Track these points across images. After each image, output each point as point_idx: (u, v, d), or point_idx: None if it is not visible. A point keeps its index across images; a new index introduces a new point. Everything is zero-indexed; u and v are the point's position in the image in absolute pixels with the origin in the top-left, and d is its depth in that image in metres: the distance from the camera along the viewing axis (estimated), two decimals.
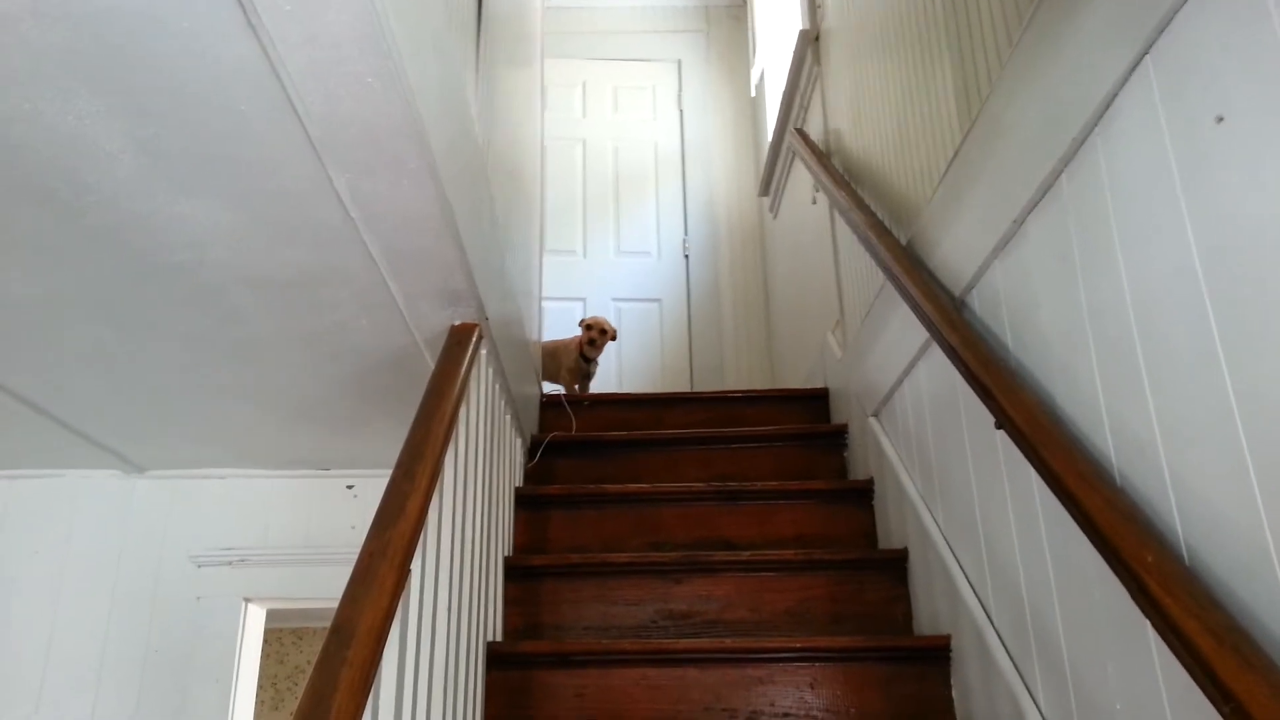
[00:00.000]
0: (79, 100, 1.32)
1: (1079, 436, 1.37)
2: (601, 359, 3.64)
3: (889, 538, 2.38)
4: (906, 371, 2.20)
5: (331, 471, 3.08)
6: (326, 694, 1.07)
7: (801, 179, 3.59)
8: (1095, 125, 1.30)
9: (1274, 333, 0.96)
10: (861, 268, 2.64)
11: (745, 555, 2.27)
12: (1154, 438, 1.18)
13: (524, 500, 2.57)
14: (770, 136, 4.08)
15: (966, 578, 1.87)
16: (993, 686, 1.71)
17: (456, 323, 1.98)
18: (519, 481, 2.69)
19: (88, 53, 1.24)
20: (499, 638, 2.17)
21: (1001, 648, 1.69)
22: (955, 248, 1.82)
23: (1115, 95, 1.24)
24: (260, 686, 4.95)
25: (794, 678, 2.00)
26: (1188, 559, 1.12)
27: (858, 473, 2.70)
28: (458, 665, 1.74)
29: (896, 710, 1.96)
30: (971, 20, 1.84)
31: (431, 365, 1.92)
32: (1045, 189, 1.45)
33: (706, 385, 4.54)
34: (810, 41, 3.37)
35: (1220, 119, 1.03)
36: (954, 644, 1.93)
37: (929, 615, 2.08)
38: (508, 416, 2.52)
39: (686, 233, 4.86)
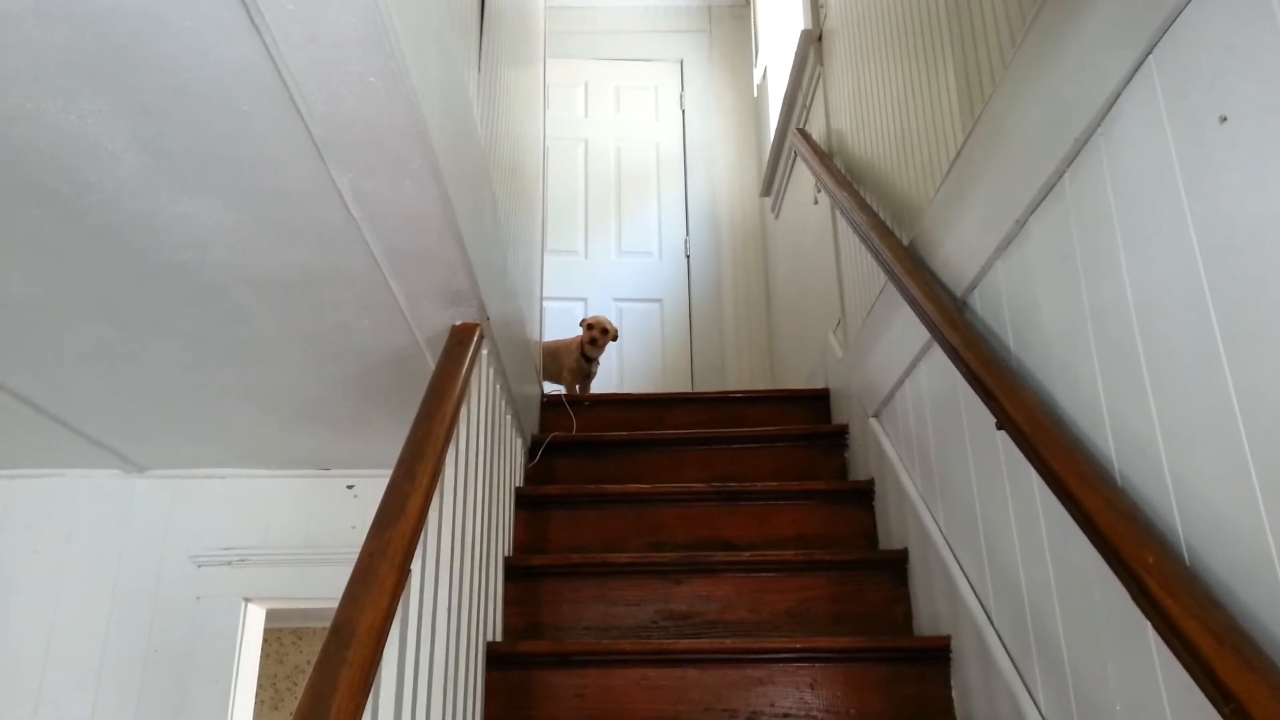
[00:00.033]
0: (81, 99, 1.32)
1: (1080, 437, 1.37)
2: (602, 359, 3.64)
3: (889, 538, 2.38)
4: (908, 372, 2.20)
5: (332, 471, 3.08)
6: (326, 694, 1.07)
7: (803, 179, 3.59)
8: (1098, 125, 1.30)
9: (1275, 333, 0.96)
10: (863, 268, 2.64)
11: (746, 556, 2.27)
12: (1155, 438, 1.18)
13: (524, 500, 2.57)
14: (772, 137, 4.08)
15: (967, 578, 1.87)
16: (993, 687, 1.71)
17: (458, 323, 1.99)
18: (519, 481, 2.69)
19: (90, 52, 1.24)
20: (499, 638, 2.17)
21: (1002, 648, 1.69)
22: (957, 248, 1.82)
23: (1118, 95, 1.24)
24: (260, 686, 4.96)
25: (794, 678, 2.00)
26: (1188, 559, 1.11)
27: (858, 473, 2.70)
28: (458, 665, 1.73)
29: (896, 711, 1.96)
30: (974, 20, 1.84)
31: (432, 365, 1.92)
32: (1048, 189, 1.45)
33: (707, 385, 4.54)
34: (813, 41, 3.38)
35: (1223, 119, 1.03)
36: (954, 644, 1.93)
37: (929, 616, 2.08)
38: (508, 416, 2.52)
39: (688, 233, 4.86)
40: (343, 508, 3.04)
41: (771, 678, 2.00)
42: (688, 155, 5.00)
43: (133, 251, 1.72)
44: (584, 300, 4.67)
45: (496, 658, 2.03)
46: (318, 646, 5.91)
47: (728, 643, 2.05)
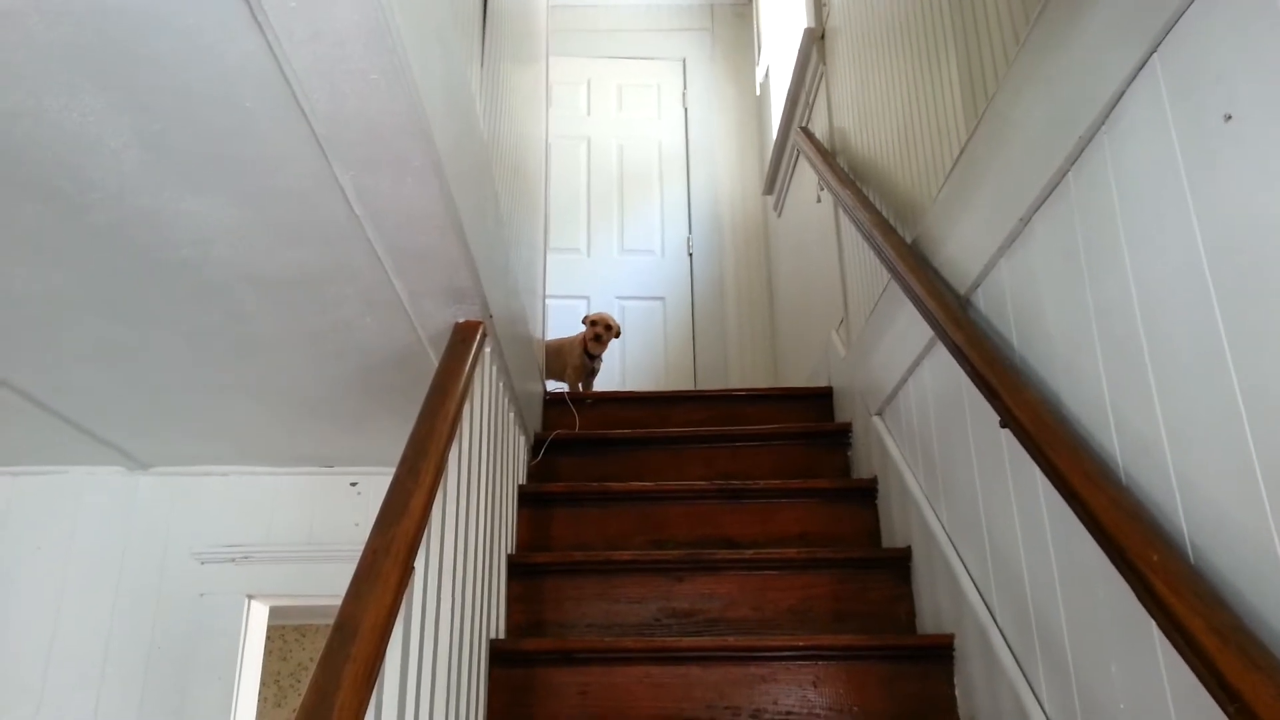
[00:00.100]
0: (83, 96, 1.32)
1: (1084, 435, 1.37)
2: (605, 357, 3.64)
3: (892, 536, 2.38)
4: (911, 370, 2.19)
5: (335, 469, 3.09)
6: (330, 690, 1.07)
7: (806, 177, 3.59)
8: (1102, 123, 1.29)
9: None
10: (866, 266, 2.63)
11: (748, 554, 2.27)
12: (1159, 436, 1.18)
13: (527, 498, 2.57)
14: (775, 135, 4.08)
15: (970, 576, 1.87)
16: (996, 685, 1.71)
17: (460, 320, 1.98)
18: (522, 479, 2.69)
19: (92, 49, 1.24)
20: (502, 635, 2.17)
21: (1005, 646, 1.69)
22: (961, 246, 1.82)
23: (1123, 93, 1.24)
24: (263, 683, 4.96)
25: (797, 676, 2.00)
26: (1193, 558, 1.11)
27: (861, 471, 2.70)
28: (461, 662, 1.74)
29: (899, 709, 1.96)
30: (978, 18, 1.83)
31: (435, 363, 1.92)
32: (1052, 187, 1.44)
33: (710, 383, 4.53)
34: (815, 39, 3.37)
35: (1228, 117, 1.03)
36: (957, 643, 1.93)
37: (932, 614, 2.08)
38: (511, 414, 2.52)
39: (690, 231, 4.86)
40: (346, 505, 3.05)
41: (774, 675, 2.00)
42: (690, 153, 5.00)
43: (135, 249, 1.72)
44: (587, 298, 4.67)
45: (499, 655, 2.03)
46: (321, 643, 5.93)
47: (730, 640, 2.05)
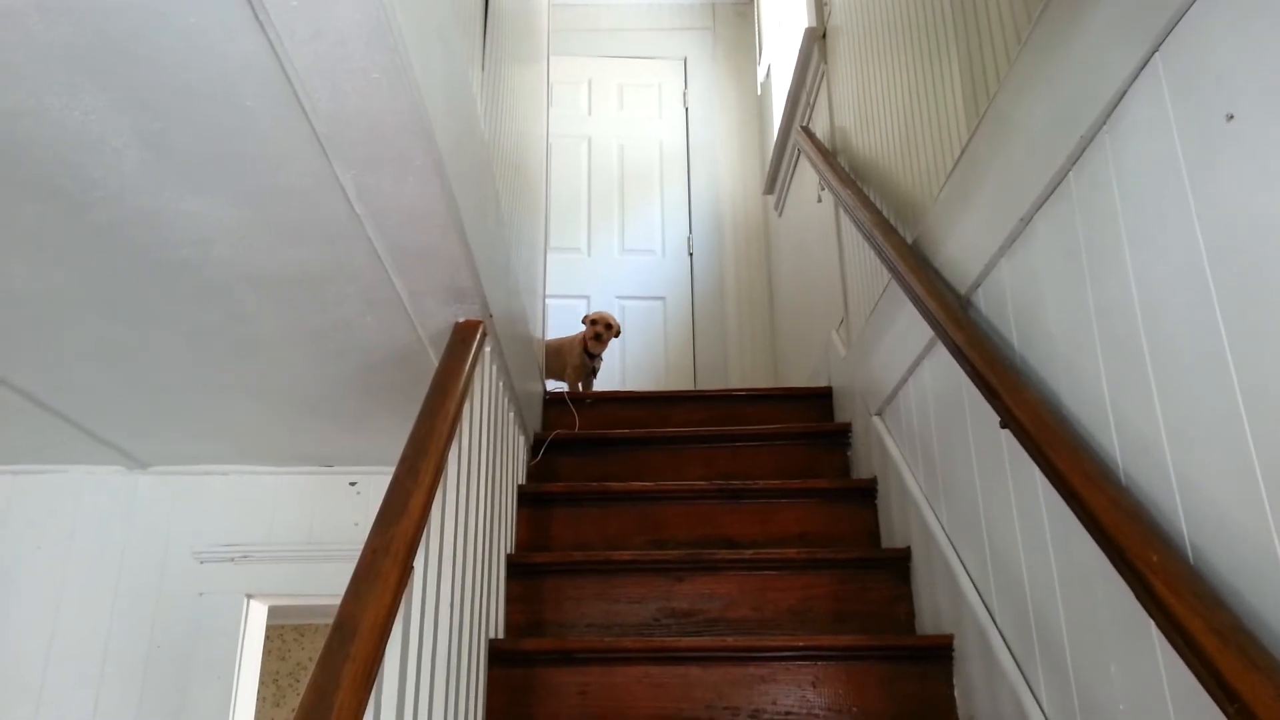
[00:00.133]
0: (84, 95, 1.32)
1: (1084, 436, 1.37)
2: (605, 356, 3.64)
3: (892, 537, 2.38)
4: (911, 370, 2.19)
5: (335, 468, 3.09)
6: (329, 690, 1.07)
7: (807, 177, 3.59)
8: (1104, 123, 1.29)
9: None
10: (866, 266, 2.63)
11: (748, 554, 2.27)
12: (1160, 437, 1.18)
13: (527, 497, 2.57)
14: (776, 134, 4.08)
15: (970, 577, 1.87)
16: (995, 686, 1.71)
17: (461, 320, 1.98)
18: (522, 479, 2.69)
19: (92, 48, 1.24)
20: (501, 635, 2.17)
21: (1004, 647, 1.69)
22: (961, 246, 1.82)
23: (1124, 93, 1.24)
24: (262, 683, 4.96)
25: (796, 676, 2.00)
26: (1193, 559, 1.11)
27: (861, 472, 2.70)
28: (460, 662, 1.74)
29: (899, 709, 1.96)
30: (980, 17, 1.83)
31: (435, 362, 1.92)
32: (1053, 187, 1.44)
33: (710, 383, 4.53)
34: (816, 39, 3.37)
35: (1230, 117, 1.03)
36: (957, 643, 1.93)
37: (931, 614, 2.08)
38: (511, 414, 2.52)
39: (691, 230, 4.86)
40: (345, 504, 3.05)
41: (774, 676, 2.00)
42: (691, 153, 5.00)
43: (136, 248, 1.72)
44: (587, 298, 4.67)
45: (499, 655, 2.03)
46: (320, 643, 5.93)
47: (730, 640, 2.05)
